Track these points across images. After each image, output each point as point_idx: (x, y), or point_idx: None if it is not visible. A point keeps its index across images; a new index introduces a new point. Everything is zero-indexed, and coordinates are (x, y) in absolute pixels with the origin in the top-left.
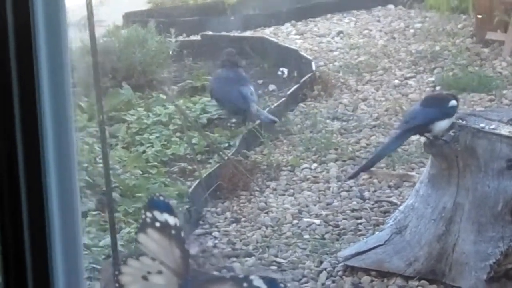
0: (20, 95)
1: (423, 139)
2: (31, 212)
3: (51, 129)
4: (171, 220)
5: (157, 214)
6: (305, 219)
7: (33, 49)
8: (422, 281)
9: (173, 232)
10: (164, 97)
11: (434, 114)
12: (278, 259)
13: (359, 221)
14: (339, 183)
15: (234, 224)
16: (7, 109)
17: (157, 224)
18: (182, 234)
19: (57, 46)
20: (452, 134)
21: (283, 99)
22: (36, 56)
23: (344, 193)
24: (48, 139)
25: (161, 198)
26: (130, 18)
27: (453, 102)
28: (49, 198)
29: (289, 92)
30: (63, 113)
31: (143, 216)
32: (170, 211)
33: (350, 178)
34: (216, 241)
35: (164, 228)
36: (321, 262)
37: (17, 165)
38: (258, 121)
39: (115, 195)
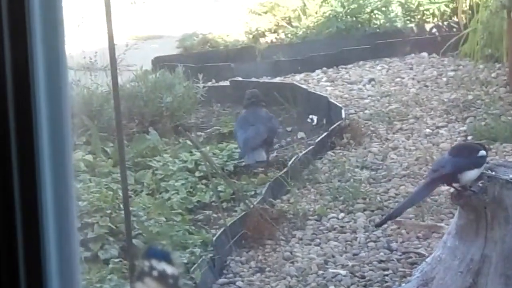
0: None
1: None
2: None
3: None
4: (169, 270)
5: (154, 263)
6: (330, 270)
7: (31, 88)
8: None
9: (170, 281)
10: (191, 143)
11: (463, 163)
12: None
13: (386, 272)
14: (367, 233)
15: (258, 274)
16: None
17: (155, 273)
18: (180, 283)
19: (57, 84)
20: (481, 184)
21: (312, 146)
22: (34, 98)
23: (371, 244)
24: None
25: (159, 247)
26: (159, 62)
27: (482, 152)
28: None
29: (317, 139)
30: (62, 156)
31: (141, 265)
32: (168, 260)
33: (377, 226)
34: None
35: (162, 277)
36: None
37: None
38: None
39: (138, 242)
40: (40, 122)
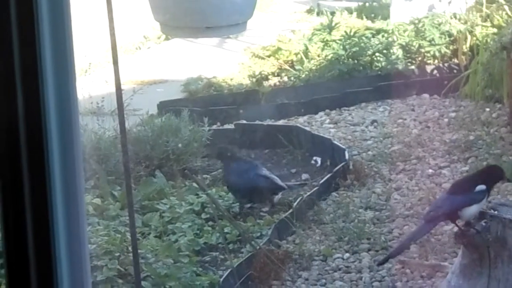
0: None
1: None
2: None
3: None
4: None
5: None
6: None
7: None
8: None
9: None
10: (197, 186)
11: (460, 201)
12: None
13: None
14: (372, 273)
15: None
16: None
17: None
18: None
19: (69, 125)
20: (484, 224)
21: (316, 188)
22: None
23: (376, 283)
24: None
25: None
26: (165, 106)
27: (480, 187)
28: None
29: (322, 181)
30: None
31: None
32: None
33: (379, 264)
34: None
35: None
36: None
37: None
38: (291, 210)
39: (146, 284)
40: (53, 167)
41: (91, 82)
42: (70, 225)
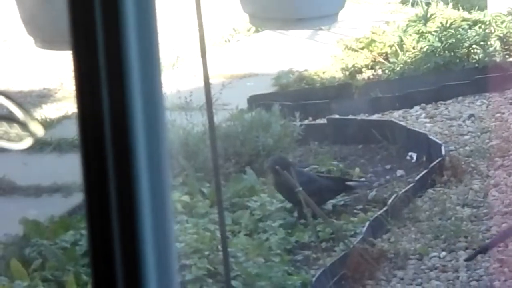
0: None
1: None
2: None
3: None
4: None
5: None
6: None
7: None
8: None
9: None
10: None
11: None
12: None
13: None
14: (469, 272)
15: None
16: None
17: None
18: None
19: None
20: None
21: (412, 184)
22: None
23: (473, 283)
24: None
25: None
26: (255, 101)
27: None
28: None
29: (417, 177)
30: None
31: None
32: None
33: (467, 260)
34: None
35: None
36: None
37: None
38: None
39: (237, 284)
40: (139, 164)
41: (179, 76)
42: (156, 223)
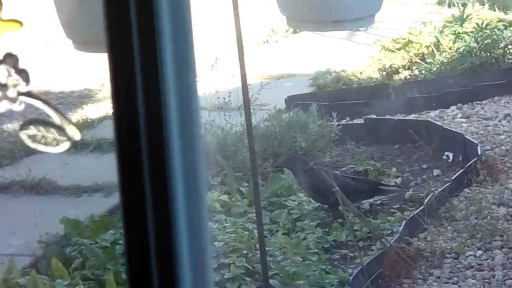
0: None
1: None
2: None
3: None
4: None
5: None
6: None
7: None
8: None
9: None
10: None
11: None
12: None
13: None
14: (505, 270)
15: None
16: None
17: None
18: None
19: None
20: None
21: (448, 184)
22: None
23: (509, 281)
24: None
25: None
26: (293, 101)
27: None
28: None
29: (454, 177)
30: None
31: None
32: None
33: None
34: None
35: None
36: None
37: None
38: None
39: (275, 282)
40: (174, 165)
41: (217, 77)
42: (192, 223)
